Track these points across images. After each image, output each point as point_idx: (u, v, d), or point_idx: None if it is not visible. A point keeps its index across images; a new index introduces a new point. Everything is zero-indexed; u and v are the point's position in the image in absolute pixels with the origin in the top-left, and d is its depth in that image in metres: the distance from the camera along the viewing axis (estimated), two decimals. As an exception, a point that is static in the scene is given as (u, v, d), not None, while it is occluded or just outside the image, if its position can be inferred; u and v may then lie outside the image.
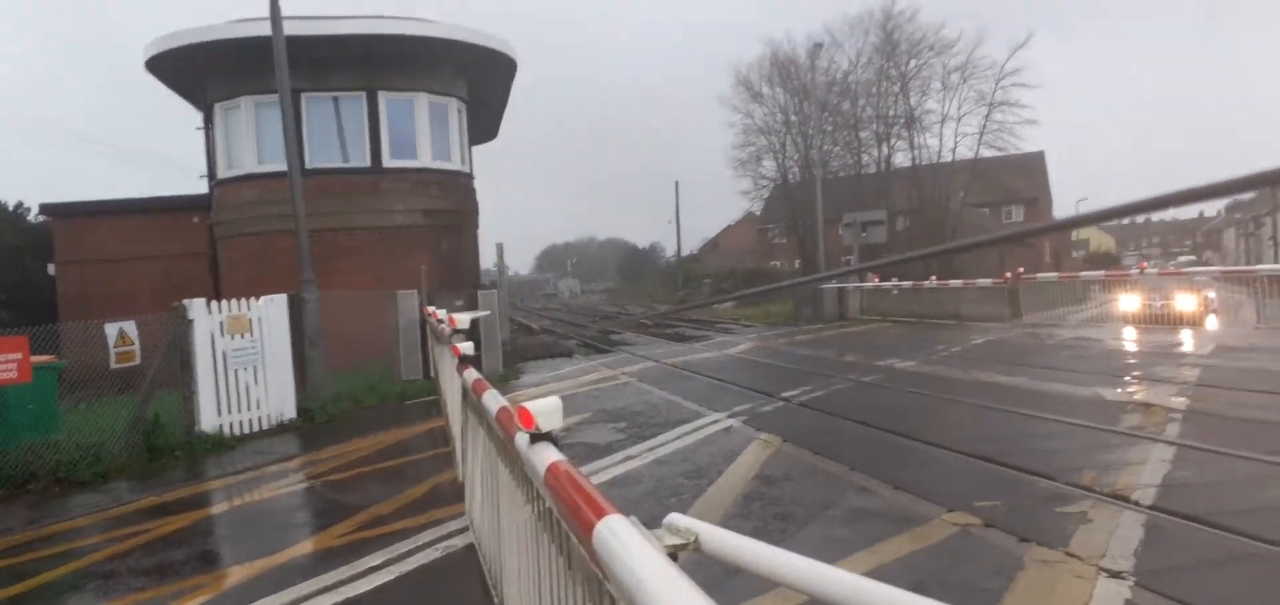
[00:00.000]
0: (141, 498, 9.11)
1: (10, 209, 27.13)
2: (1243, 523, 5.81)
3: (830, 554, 5.75)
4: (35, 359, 9.82)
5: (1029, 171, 59.55)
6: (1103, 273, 29.64)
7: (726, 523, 6.51)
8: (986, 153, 47.12)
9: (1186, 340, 17.81)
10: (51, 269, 22.57)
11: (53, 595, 6.27)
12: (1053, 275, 27.67)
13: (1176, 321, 20.78)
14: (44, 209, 23.80)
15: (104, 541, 7.49)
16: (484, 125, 26.56)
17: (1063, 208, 74.76)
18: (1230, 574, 5.11)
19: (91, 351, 11.14)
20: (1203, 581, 4.97)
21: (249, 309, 12.61)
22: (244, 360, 12.41)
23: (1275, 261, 48.16)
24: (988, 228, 54.16)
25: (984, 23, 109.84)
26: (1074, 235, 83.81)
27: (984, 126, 46.04)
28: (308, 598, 5.71)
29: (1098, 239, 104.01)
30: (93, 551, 7.17)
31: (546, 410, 2.78)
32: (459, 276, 20.85)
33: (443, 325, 9.62)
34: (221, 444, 11.70)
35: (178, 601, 5.84)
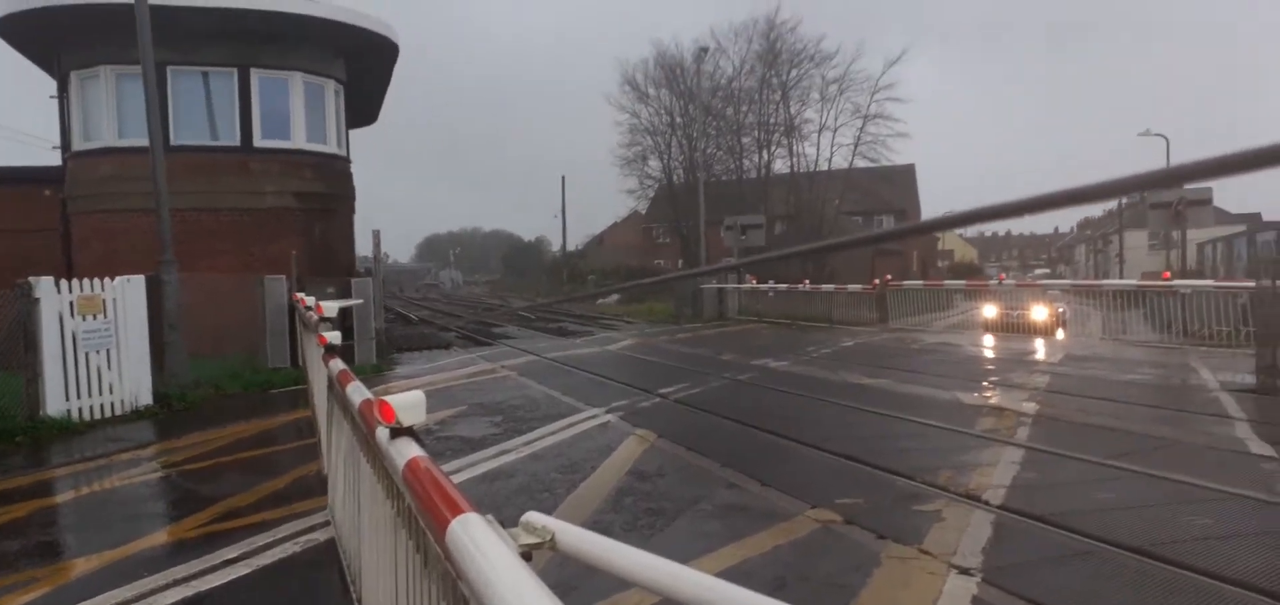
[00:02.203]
0: (-27, 487, 8.49)
1: None
2: (1080, 522, 6.19)
3: (699, 548, 5.84)
4: None
5: (900, 183, 61.98)
6: (965, 282, 31.12)
7: (598, 518, 6.54)
8: (861, 163, 48.90)
9: (1039, 348, 18.89)
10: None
11: None
12: (918, 283, 28.82)
13: (1031, 330, 21.99)
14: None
15: (-72, 534, 6.95)
16: (363, 109, 25.81)
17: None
18: (1068, 570, 5.44)
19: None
20: (1042, 577, 5.28)
21: (103, 289, 11.95)
22: (97, 342, 11.75)
23: (1120, 277, 51.47)
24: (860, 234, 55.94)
25: (862, 37, 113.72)
26: (939, 245, 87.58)
27: (859, 138, 47.80)
28: (156, 592, 5.43)
29: (961, 249, 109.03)
30: (-86, 545, 6.63)
31: (408, 405, 2.72)
32: (332, 263, 20.19)
33: (310, 313, 9.31)
34: (70, 429, 11.05)
35: (9, 597, 5.46)
